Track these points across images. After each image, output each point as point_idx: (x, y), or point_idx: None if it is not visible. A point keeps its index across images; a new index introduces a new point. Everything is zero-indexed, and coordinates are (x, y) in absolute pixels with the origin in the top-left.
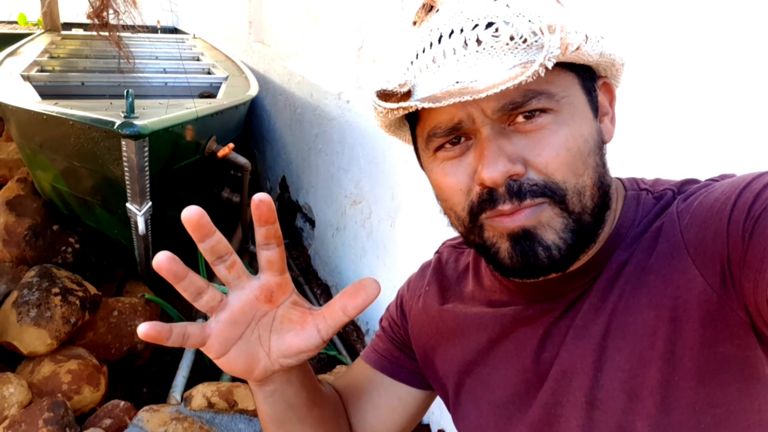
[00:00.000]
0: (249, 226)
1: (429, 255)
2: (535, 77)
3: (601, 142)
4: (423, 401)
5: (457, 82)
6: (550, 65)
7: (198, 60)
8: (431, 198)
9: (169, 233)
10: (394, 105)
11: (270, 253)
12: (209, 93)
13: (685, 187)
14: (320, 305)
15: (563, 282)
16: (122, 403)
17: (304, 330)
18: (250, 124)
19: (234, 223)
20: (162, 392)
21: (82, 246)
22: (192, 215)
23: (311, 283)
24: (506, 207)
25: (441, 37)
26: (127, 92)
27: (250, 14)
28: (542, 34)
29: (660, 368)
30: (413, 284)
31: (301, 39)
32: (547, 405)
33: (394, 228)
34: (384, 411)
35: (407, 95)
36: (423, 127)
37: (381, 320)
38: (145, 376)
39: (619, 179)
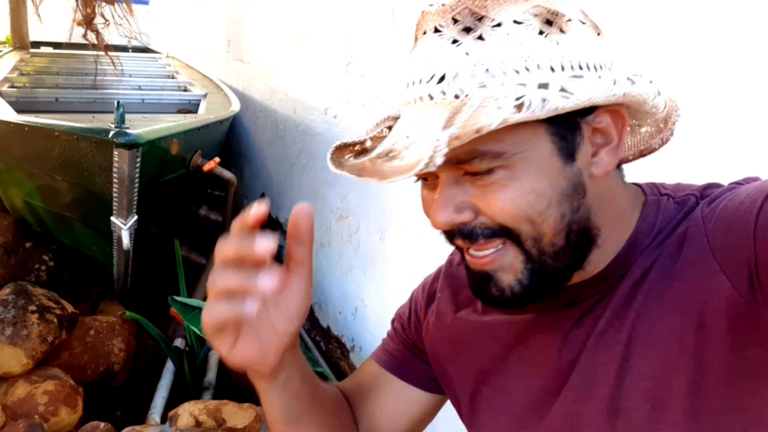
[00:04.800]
0: None
1: (421, 268)
2: (428, 169)
3: (573, 189)
4: (433, 405)
5: (407, 137)
6: (439, 161)
7: (173, 78)
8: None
9: (148, 249)
10: (332, 167)
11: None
12: (188, 110)
13: (707, 191)
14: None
15: (579, 289)
16: (102, 424)
17: (290, 286)
18: (229, 142)
19: (212, 240)
20: (138, 415)
21: (57, 264)
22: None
23: None
24: (459, 242)
25: (408, 84)
26: (118, 103)
27: (229, 33)
28: (436, 128)
29: (688, 375)
30: (428, 288)
31: (284, 56)
32: (567, 413)
33: (384, 242)
34: (392, 412)
35: (377, 138)
36: None
37: (393, 320)
38: (119, 398)
39: (638, 185)
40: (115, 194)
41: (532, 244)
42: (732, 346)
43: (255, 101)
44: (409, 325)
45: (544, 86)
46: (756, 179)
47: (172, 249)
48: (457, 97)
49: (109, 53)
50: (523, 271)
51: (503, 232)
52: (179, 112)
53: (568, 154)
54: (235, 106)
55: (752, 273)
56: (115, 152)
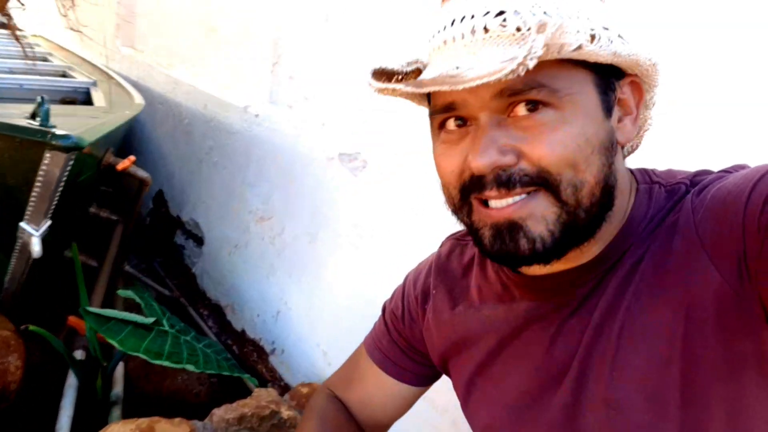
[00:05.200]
0: (125, 244)
1: (359, 275)
2: (514, 75)
3: (610, 143)
4: (421, 393)
5: (457, 68)
6: (531, 65)
7: (47, 60)
8: (365, 216)
9: (46, 255)
10: (381, 85)
11: None
12: (72, 99)
13: (697, 178)
14: (209, 327)
15: (573, 275)
16: None
17: None
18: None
19: (104, 241)
20: None
21: None
22: None
23: (197, 304)
24: (492, 193)
25: (454, 21)
26: (42, 99)
27: (118, 16)
28: (532, 31)
29: (679, 367)
30: (421, 285)
31: (190, 47)
32: (567, 406)
33: (314, 245)
34: (390, 410)
35: (418, 72)
36: (431, 103)
37: (383, 314)
38: (14, 422)
39: (630, 170)
40: (33, 198)
41: (572, 192)
42: (721, 338)
43: (153, 93)
44: (403, 324)
45: (606, 29)
46: (744, 167)
47: (61, 253)
48: (518, 29)
49: None
50: (555, 222)
51: (541, 181)
52: (63, 101)
53: (608, 109)
54: (139, 99)
55: (741, 263)
56: (48, 154)
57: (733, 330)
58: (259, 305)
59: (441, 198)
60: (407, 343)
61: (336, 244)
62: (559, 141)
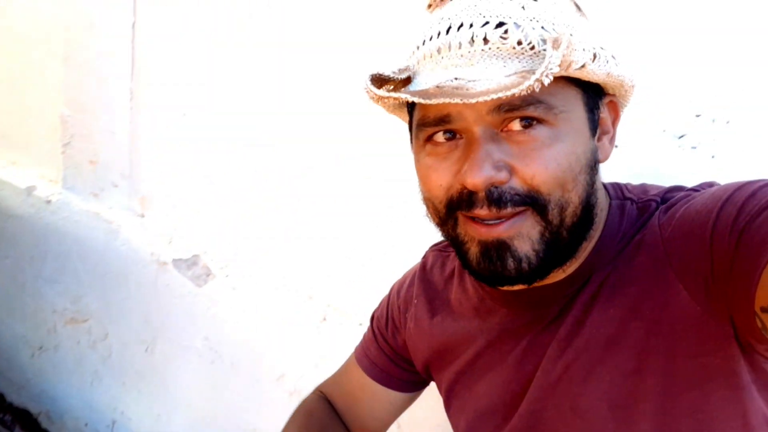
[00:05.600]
0: None
1: (220, 388)
2: (530, 91)
3: (594, 162)
4: (410, 399)
5: (456, 79)
6: (546, 81)
7: None
8: (217, 328)
9: None
10: (385, 93)
11: None
12: None
13: (668, 195)
14: None
15: (547, 292)
16: None
17: None
18: None
19: None
20: None
21: None
22: None
23: None
24: (482, 212)
25: (450, 28)
26: None
27: None
28: (548, 47)
29: (647, 379)
30: (404, 294)
31: None
32: (532, 413)
33: (153, 355)
34: (378, 414)
35: (407, 81)
36: (417, 114)
37: (371, 321)
38: None
39: (604, 185)
40: None
41: (557, 213)
42: (685, 354)
43: None
44: (387, 330)
45: (602, 48)
46: (712, 184)
47: None
48: (519, 43)
49: None
50: (539, 241)
51: (531, 200)
52: None
53: (594, 128)
54: None
55: (708, 282)
56: None
57: (699, 346)
58: (86, 414)
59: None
60: (392, 350)
61: (183, 356)
62: (552, 158)
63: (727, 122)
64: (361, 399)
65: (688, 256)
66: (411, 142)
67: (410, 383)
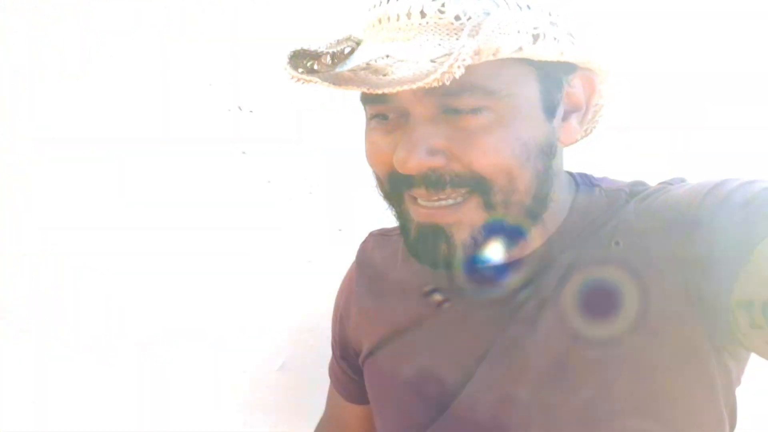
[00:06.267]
0: None
1: None
2: (443, 83)
3: (549, 147)
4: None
5: (388, 56)
6: (457, 74)
7: None
8: None
9: None
10: (298, 75)
11: None
12: None
13: (637, 188)
14: None
15: (503, 272)
16: None
17: None
18: None
19: None
20: None
21: None
22: None
23: None
24: (421, 191)
25: None
26: None
27: None
28: (463, 35)
29: (621, 370)
30: (345, 288)
31: None
32: (475, 403)
33: None
34: (355, 429)
35: (348, 54)
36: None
37: (331, 341)
38: None
39: (570, 173)
40: None
41: (501, 199)
42: (657, 346)
43: None
44: (339, 334)
45: (553, 25)
46: (683, 180)
47: None
48: (457, 18)
49: None
50: (480, 229)
51: (473, 183)
52: None
53: (550, 109)
54: None
55: (686, 274)
56: None
57: (672, 336)
58: None
59: None
60: (348, 365)
61: None
62: (492, 146)
63: None
64: (339, 419)
65: (667, 247)
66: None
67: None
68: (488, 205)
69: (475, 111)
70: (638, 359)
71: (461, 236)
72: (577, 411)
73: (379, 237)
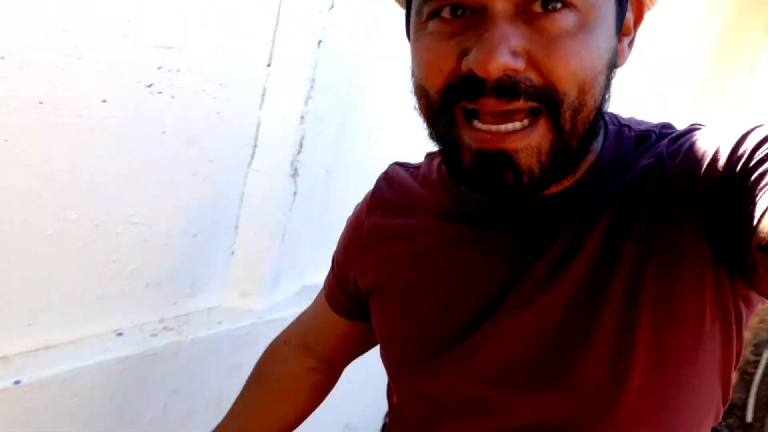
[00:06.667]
0: None
1: None
2: None
3: (613, 64)
4: (366, 329)
5: None
6: None
7: None
8: None
9: None
10: None
11: None
12: None
13: (665, 130)
14: None
15: (534, 207)
16: None
17: None
18: None
19: None
20: None
21: None
22: None
23: None
24: (490, 101)
25: None
26: None
27: None
28: None
29: (645, 305)
30: (363, 208)
31: None
32: (499, 332)
33: None
34: (337, 343)
35: None
36: None
37: (333, 254)
38: None
39: None
40: None
41: (570, 117)
42: (678, 282)
43: None
44: (345, 253)
45: None
46: (702, 126)
47: None
48: None
49: None
50: (548, 153)
51: (544, 97)
52: None
53: (619, 25)
54: None
55: (713, 214)
56: None
57: (692, 276)
58: None
59: None
60: (342, 276)
61: None
62: (575, 51)
63: (178, 70)
64: (323, 323)
65: (696, 186)
66: (407, 22)
67: (357, 312)
68: (556, 127)
69: (560, 10)
70: (661, 297)
71: (529, 162)
72: (602, 352)
73: (400, 168)
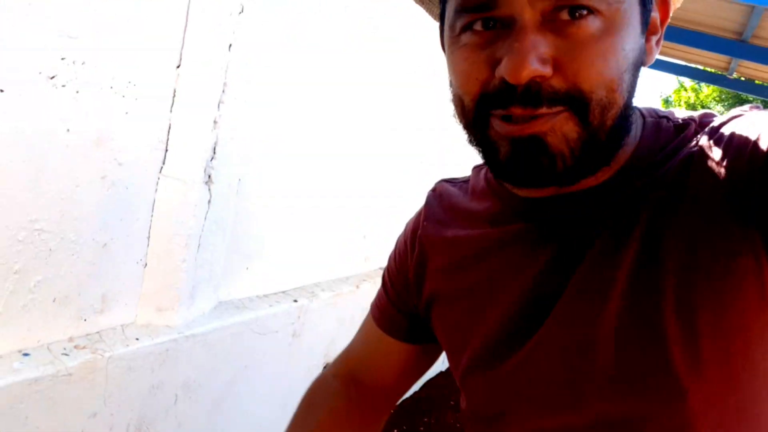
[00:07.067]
0: None
1: None
2: None
3: (640, 63)
4: (425, 352)
5: None
6: None
7: None
8: None
9: None
10: None
11: None
12: None
13: (706, 119)
14: None
15: (573, 202)
16: None
17: None
18: None
19: None
20: None
21: None
22: None
23: None
24: (517, 110)
25: None
26: None
27: None
28: None
29: (700, 294)
30: (411, 227)
31: None
32: (561, 336)
33: None
34: (393, 368)
35: None
36: (454, 1)
37: (383, 276)
38: None
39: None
40: None
41: (599, 113)
42: (729, 272)
43: None
44: (397, 272)
45: None
46: (749, 111)
47: None
48: None
49: None
50: (576, 141)
51: (568, 100)
52: None
53: (645, 24)
54: None
55: (757, 205)
56: None
57: (735, 271)
58: None
59: None
60: (398, 297)
61: None
62: (601, 54)
63: (83, 63)
64: (375, 357)
65: (741, 177)
66: (441, 36)
67: (414, 333)
68: (583, 121)
69: (586, 17)
70: (716, 286)
71: (559, 145)
72: (665, 345)
73: (447, 184)
